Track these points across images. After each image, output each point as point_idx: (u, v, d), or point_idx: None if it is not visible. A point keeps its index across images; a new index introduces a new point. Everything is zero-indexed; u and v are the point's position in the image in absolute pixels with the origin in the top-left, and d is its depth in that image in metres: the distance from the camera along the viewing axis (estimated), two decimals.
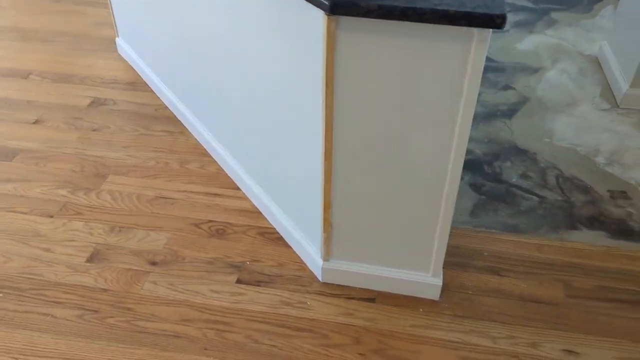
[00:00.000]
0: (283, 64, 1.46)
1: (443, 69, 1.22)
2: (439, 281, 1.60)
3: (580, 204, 1.96)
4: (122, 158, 2.13)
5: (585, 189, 2.02)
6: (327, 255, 1.63)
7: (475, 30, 1.16)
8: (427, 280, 1.61)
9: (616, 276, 1.70)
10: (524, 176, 2.07)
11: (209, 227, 1.86)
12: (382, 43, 1.22)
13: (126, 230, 1.84)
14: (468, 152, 2.19)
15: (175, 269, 1.72)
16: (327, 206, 1.51)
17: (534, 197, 1.98)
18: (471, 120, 1.28)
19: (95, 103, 2.42)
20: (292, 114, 1.51)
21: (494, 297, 1.65)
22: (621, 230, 1.86)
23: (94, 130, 2.27)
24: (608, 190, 2.01)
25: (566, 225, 1.88)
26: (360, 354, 1.50)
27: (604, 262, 1.75)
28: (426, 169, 1.39)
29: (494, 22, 1.11)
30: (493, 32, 1.18)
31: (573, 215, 1.92)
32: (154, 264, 1.74)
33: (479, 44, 1.17)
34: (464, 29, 1.16)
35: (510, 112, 2.39)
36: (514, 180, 2.06)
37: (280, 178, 1.73)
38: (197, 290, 1.66)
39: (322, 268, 1.65)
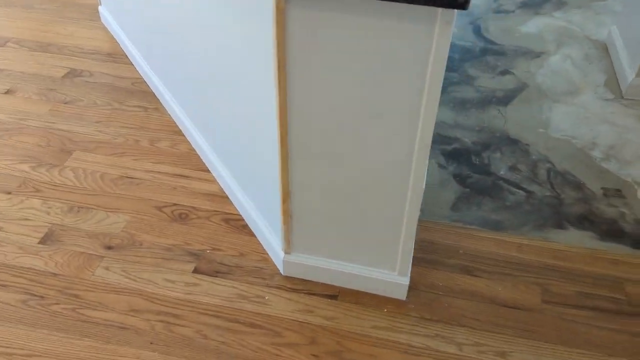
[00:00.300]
0: (237, 44, 1.34)
1: (404, 51, 1.10)
2: (405, 280, 1.50)
3: (570, 201, 1.83)
4: (91, 133, 2.04)
5: (578, 185, 1.88)
6: (288, 248, 1.53)
7: (439, 11, 1.03)
8: (393, 279, 1.50)
9: (598, 282, 1.58)
10: (513, 169, 1.94)
11: (172, 211, 1.76)
12: (337, 22, 1.09)
13: (85, 211, 1.75)
14: (456, 140, 2.07)
15: (130, 255, 1.63)
16: (286, 196, 1.41)
17: (521, 192, 1.86)
18: (436, 110, 1.16)
19: (71, 74, 2.32)
20: (249, 96, 1.40)
21: (465, 299, 1.54)
22: (611, 231, 1.73)
23: (66, 102, 2.18)
24: (602, 188, 1.88)
25: (552, 223, 1.76)
26: (313, 355, 1.41)
27: (587, 265, 1.63)
28: (388, 160, 1.27)
29: (456, 1, 0.98)
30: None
31: (561, 213, 1.79)
32: (109, 248, 1.65)
33: (443, 26, 1.05)
34: (427, 8, 1.04)
35: (506, 99, 2.24)
36: (502, 172, 1.93)
37: (244, 163, 1.63)
38: (150, 279, 1.57)
39: (283, 261, 1.55)
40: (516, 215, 1.78)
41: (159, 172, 1.89)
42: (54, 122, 2.08)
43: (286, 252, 1.54)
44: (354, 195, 1.36)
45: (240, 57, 1.37)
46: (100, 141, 2.01)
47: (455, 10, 1.02)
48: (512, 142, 2.05)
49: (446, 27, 1.04)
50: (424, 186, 1.36)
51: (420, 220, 1.74)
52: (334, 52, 1.14)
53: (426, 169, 1.29)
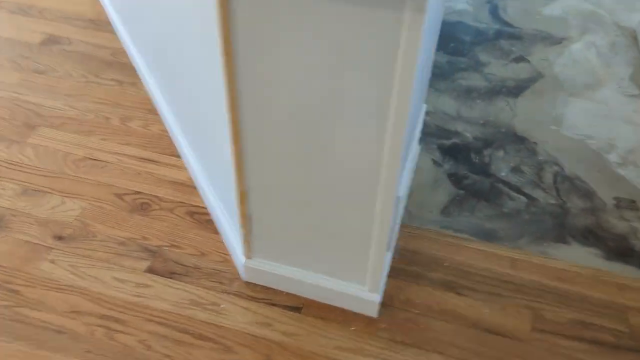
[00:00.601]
0: (192, 25, 1.16)
1: (369, 41, 0.91)
2: (376, 298, 1.33)
3: (576, 211, 1.63)
4: (59, 108, 1.88)
5: (587, 193, 1.68)
6: (249, 252, 1.37)
7: None
8: (363, 295, 1.33)
9: (599, 310, 1.39)
10: (516, 170, 1.74)
11: (133, 200, 1.61)
12: (290, 4, 0.91)
13: (40, 195, 1.61)
14: (456, 134, 1.87)
15: (81, 248, 1.49)
16: (243, 197, 1.24)
17: (522, 198, 1.66)
18: (407, 113, 0.97)
19: (49, 41, 2.17)
20: (205, 83, 1.22)
21: (445, 320, 1.37)
22: (619, 249, 1.54)
23: (38, 72, 2.02)
24: (614, 198, 1.67)
25: (554, 236, 1.56)
26: None
27: (588, 289, 1.44)
28: (353, 167, 1.09)
29: None
30: None
31: (565, 224, 1.59)
32: (59, 238, 1.51)
33: (413, 14, 0.85)
34: None
35: (517, 90, 2.03)
36: (503, 174, 1.73)
37: (209, 153, 1.46)
38: (98, 277, 1.43)
39: (244, 266, 1.40)
40: (513, 224, 1.59)
41: (126, 155, 1.74)
42: (22, 94, 1.93)
43: (247, 257, 1.38)
44: (316, 201, 1.19)
45: (195, 39, 1.19)
46: (68, 117, 1.85)
47: None
48: (519, 140, 1.84)
49: (417, 16, 0.85)
50: (399, 195, 1.18)
51: (404, 225, 1.56)
52: (287, 40, 0.95)
53: (399, 177, 1.11)
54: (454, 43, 2.22)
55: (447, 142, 1.83)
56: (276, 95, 1.04)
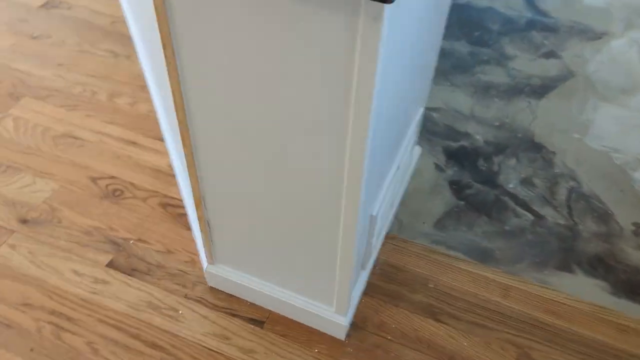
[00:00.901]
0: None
1: (322, 46, 0.76)
2: (344, 321, 1.21)
3: (588, 235, 1.46)
4: (48, 78, 1.80)
5: (604, 216, 1.50)
6: (210, 258, 1.26)
7: (362, 1, 0.69)
8: (329, 316, 1.21)
9: (595, 354, 1.24)
10: (526, 182, 1.57)
11: (107, 185, 1.52)
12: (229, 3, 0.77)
13: (12, 172, 1.54)
14: (465, 136, 1.70)
15: (44, 234, 1.41)
16: (199, 202, 1.13)
17: (529, 215, 1.50)
18: (367, 129, 0.82)
19: (49, 4, 2.07)
20: (159, 76, 1.10)
21: (419, 350, 1.24)
22: (630, 284, 1.37)
23: (33, 37, 1.94)
24: (634, 223, 1.49)
25: (557, 263, 1.40)
26: None
27: (586, 328, 1.28)
28: (310, 183, 0.96)
29: None
30: None
31: (572, 250, 1.43)
32: (23, 221, 1.43)
33: (369, 23, 0.70)
34: None
35: (542, 90, 1.83)
36: (511, 186, 1.57)
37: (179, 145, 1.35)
38: (57, 268, 1.35)
39: (206, 271, 1.29)
40: (514, 245, 1.43)
41: (108, 135, 1.64)
42: (12, 60, 1.85)
43: (209, 262, 1.28)
44: (277, 214, 1.06)
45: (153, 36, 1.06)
46: (55, 89, 1.76)
47: (385, 5, 0.68)
48: (535, 148, 1.66)
49: (374, 24, 0.70)
50: (374, 214, 1.05)
51: (391, 237, 1.43)
52: (228, 40, 0.82)
53: (367, 195, 0.98)
54: (480, 31, 2.03)
55: (454, 145, 1.66)
56: (222, 99, 0.91)
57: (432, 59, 1.22)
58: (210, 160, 1.03)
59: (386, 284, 1.34)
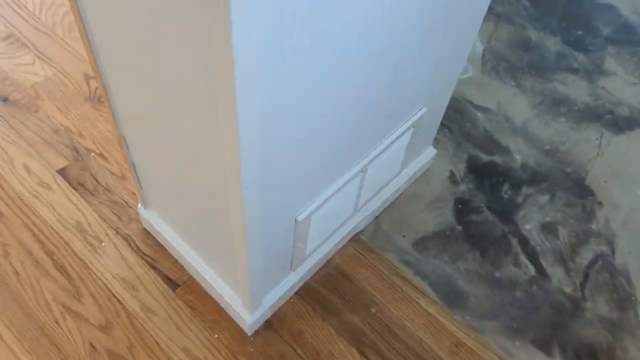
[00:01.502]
0: None
1: (185, 26, 0.58)
2: (249, 318, 1.06)
3: (593, 317, 1.18)
4: None
5: (624, 301, 1.21)
6: (142, 201, 1.15)
7: None
8: (237, 306, 1.07)
9: None
10: (548, 229, 1.30)
11: (96, 89, 1.43)
12: None
13: (18, 46, 1.49)
14: (502, 152, 1.40)
15: (17, 119, 1.36)
16: (120, 141, 1.00)
17: (530, 270, 1.24)
18: (235, 113, 0.63)
19: None
20: None
21: None
22: None
23: None
24: None
25: (538, 337, 1.15)
26: (92, 345, 1.07)
27: None
28: (199, 156, 0.79)
29: None
30: None
31: (565, 328, 1.17)
32: (4, 99, 1.39)
33: (218, 24, 0.51)
34: None
35: (625, 124, 1.49)
36: (527, 226, 1.30)
37: None
38: (12, 157, 1.30)
39: (139, 213, 1.19)
40: (495, 298, 1.19)
41: None
42: None
43: (142, 205, 1.16)
44: (180, 171, 0.91)
45: None
46: None
47: None
48: (581, 191, 1.36)
49: (222, 27, 0.50)
50: (298, 218, 0.87)
51: (358, 240, 1.24)
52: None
53: (247, 195, 0.80)
54: (583, 31, 1.67)
55: (484, 158, 1.40)
56: (125, 59, 0.76)
57: (446, 51, 0.97)
58: (123, 100, 0.89)
59: (326, 291, 1.17)
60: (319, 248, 1.13)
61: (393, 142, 1.05)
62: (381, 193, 1.22)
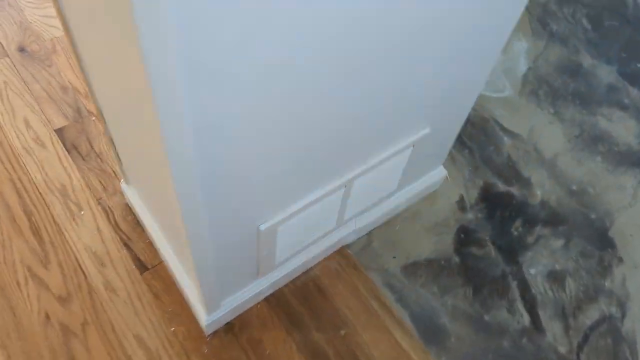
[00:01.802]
0: None
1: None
2: (205, 319, 1.01)
3: None
4: None
5: None
6: (125, 176, 1.11)
7: None
8: (196, 303, 1.02)
9: None
10: (555, 277, 1.18)
11: None
12: None
13: None
14: (523, 184, 1.28)
15: (29, 71, 1.34)
16: (98, 114, 0.95)
17: (526, 318, 1.13)
18: (157, 113, 0.57)
19: None
20: None
21: None
22: None
23: None
24: None
25: None
26: (46, 317, 1.05)
27: None
28: (149, 147, 0.74)
29: None
30: None
31: None
32: (21, 49, 1.37)
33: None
34: None
35: None
36: (532, 271, 1.19)
37: None
38: (15, 108, 1.28)
39: (122, 187, 1.15)
40: (480, 342, 1.09)
41: None
42: None
43: (124, 180, 1.12)
44: (144, 160, 0.86)
45: None
46: None
47: None
48: (602, 242, 1.23)
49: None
50: (260, 227, 0.81)
51: (344, 254, 1.16)
52: None
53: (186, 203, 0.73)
54: None
55: (501, 188, 1.28)
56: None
57: (457, 73, 0.87)
58: (96, 76, 0.84)
59: (297, 303, 1.10)
60: (297, 256, 1.06)
61: (387, 159, 0.96)
62: (374, 209, 1.13)
